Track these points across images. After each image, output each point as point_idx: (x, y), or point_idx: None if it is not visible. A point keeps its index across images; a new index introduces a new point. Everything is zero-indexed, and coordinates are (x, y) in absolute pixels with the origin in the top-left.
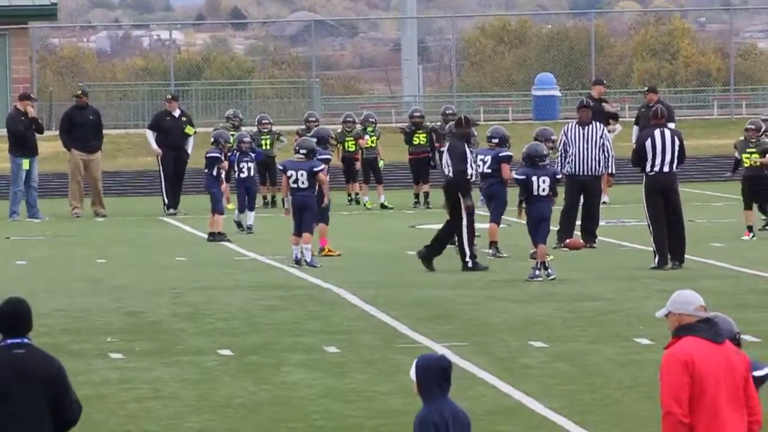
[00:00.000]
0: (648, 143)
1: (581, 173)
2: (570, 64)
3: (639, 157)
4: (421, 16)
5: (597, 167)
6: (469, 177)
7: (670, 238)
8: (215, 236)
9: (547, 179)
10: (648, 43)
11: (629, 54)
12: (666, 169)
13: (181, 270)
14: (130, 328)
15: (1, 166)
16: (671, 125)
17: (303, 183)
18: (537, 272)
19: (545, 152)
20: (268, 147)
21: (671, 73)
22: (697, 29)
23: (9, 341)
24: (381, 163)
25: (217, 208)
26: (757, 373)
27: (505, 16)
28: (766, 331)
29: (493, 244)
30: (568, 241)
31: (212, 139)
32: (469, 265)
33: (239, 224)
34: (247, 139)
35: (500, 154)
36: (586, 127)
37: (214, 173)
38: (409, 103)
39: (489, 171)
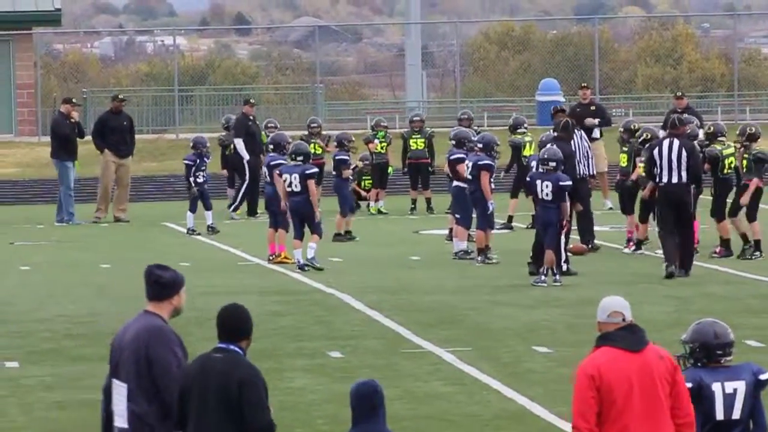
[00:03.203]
0: (656, 152)
1: None
2: (574, 70)
3: (650, 166)
4: (425, 21)
5: (579, 170)
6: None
7: (680, 251)
8: (341, 236)
9: (550, 184)
10: (652, 48)
11: (633, 59)
12: (674, 180)
13: (186, 275)
14: None
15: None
16: (700, 132)
17: (296, 187)
18: (543, 277)
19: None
20: None
21: (675, 78)
22: (701, 35)
23: (219, 345)
24: (390, 170)
25: (343, 210)
26: (762, 377)
27: (509, 21)
28: None
29: (481, 251)
30: (571, 246)
31: (336, 142)
32: (564, 269)
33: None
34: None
35: (479, 162)
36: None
37: (342, 175)
38: (413, 109)
39: (470, 177)
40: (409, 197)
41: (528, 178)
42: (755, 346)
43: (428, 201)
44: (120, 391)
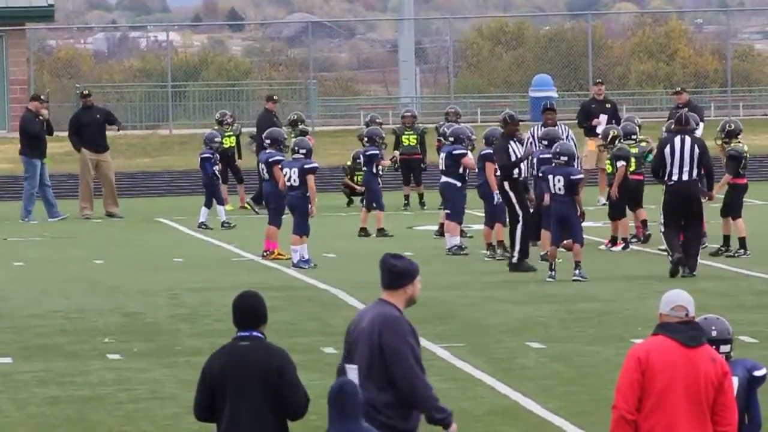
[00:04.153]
0: (667, 150)
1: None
2: (567, 66)
3: (658, 164)
4: (419, 17)
5: None
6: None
7: (685, 250)
8: (382, 231)
9: (562, 178)
10: (645, 44)
11: (626, 55)
12: (685, 177)
13: (179, 271)
14: (128, 329)
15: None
16: (700, 127)
17: (294, 181)
18: (552, 273)
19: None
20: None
21: (668, 74)
22: (695, 30)
23: (239, 334)
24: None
25: (378, 205)
26: (757, 373)
27: (502, 17)
28: (763, 332)
29: (490, 246)
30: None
31: (367, 137)
32: (514, 260)
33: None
34: (218, 139)
35: (454, 152)
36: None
37: (374, 170)
38: (407, 105)
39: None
40: (401, 193)
41: (540, 173)
42: (749, 342)
43: (420, 196)
44: (352, 374)
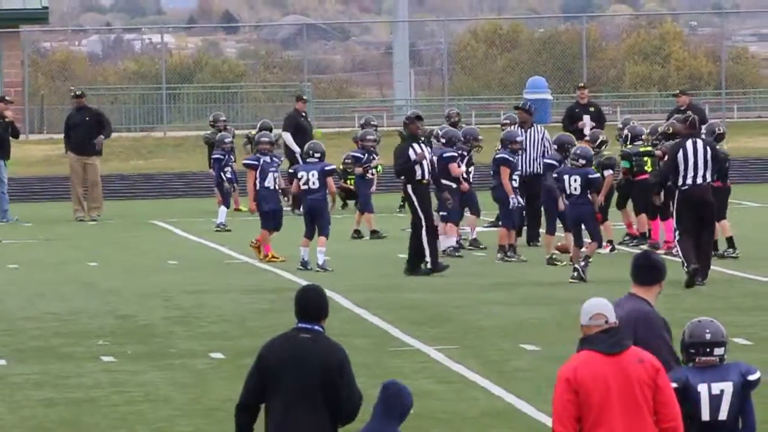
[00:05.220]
0: (680, 155)
1: (524, 174)
2: (562, 68)
3: (670, 169)
4: (413, 20)
5: (538, 168)
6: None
7: (697, 255)
8: (375, 234)
9: (579, 178)
10: (640, 46)
11: (621, 57)
12: (699, 181)
13: (173, 273)
14: (122, 331)
15: None
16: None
17: (314, 184)
18: (576, 273)
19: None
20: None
21: (663, 76)
22: (689, 33)
23: (300, 325)
24: (380, 168)
25: (365, 207)
26: (751, 377)
27: (496, 20)
28: (758, 334)
29: (502, 248)
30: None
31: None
32: (429, 266)
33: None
34: (229, 140)
35: (497, 156)
36: (528, 130)
37: (363, 173)
38: (401, 107)
39: (465, 175)
40: (399, 195)
41: (555, 174)
42: (743, 344)
43: None
44: None
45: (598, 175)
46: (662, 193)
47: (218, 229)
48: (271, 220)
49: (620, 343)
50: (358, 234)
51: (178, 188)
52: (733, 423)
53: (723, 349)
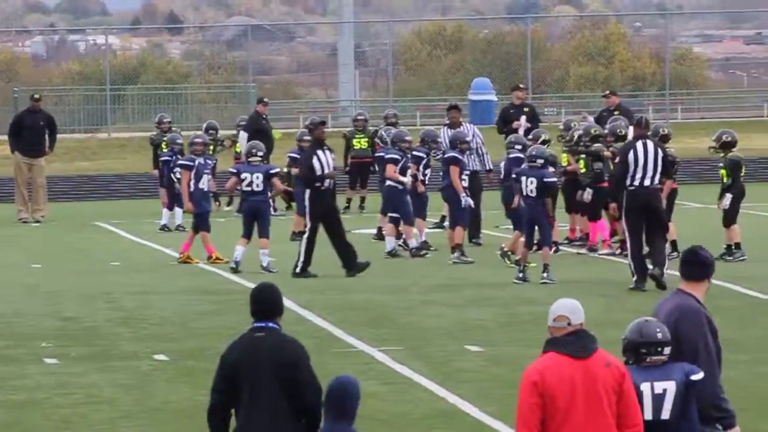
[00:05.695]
0: (630, 156)
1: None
2: (506, 69)
3: (623, 171)
4: (358, 20)
5: (472, 166)
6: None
7: (651, 250)
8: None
9: (535, 180)
10: (584, 47)
11: (565, 58)
12: (647, 183)
13: (116, 275)
14: (65, 333)
15: None
16: (630, 130)
17: (258, 186)
18: (520, 274)
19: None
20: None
21: (607, 77)
22: (633, 34)
23: (255, 324)
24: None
25: (299, 209)
26: (694, 377)
27: (441, 21)
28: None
29: (455, 248)
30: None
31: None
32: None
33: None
34: (180, 141)
35: (446, 156)
36: (457, 129)
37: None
38: (346, 108)
39: (410, 178)
40: (344, 196)
41: (514, 175)
42: None
43: (362, 200)
44: None
45: (554, 179)
46: (590, 193)
47: (162, 230)
48: (206, 222)
49: (588, 346)
50: (299, 236)
51: (122, 190)
52: (675, 423)
53: (669, 348)
